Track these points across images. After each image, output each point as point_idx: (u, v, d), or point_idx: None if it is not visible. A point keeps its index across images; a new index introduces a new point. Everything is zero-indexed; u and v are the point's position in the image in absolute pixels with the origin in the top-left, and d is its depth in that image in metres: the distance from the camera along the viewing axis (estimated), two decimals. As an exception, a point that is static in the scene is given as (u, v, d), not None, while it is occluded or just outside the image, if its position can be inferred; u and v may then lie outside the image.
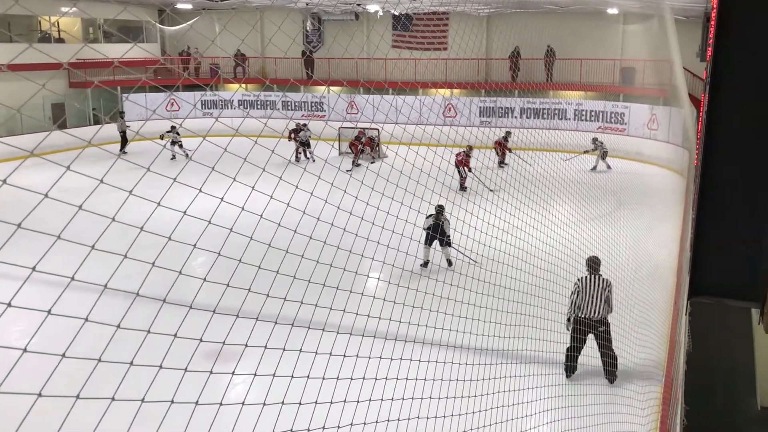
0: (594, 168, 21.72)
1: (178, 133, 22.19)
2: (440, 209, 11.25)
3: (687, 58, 17.35)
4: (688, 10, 20.21)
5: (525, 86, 26.09)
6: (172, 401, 2.44)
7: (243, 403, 2.80)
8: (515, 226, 7.21)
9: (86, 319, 2.18)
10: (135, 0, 28.37)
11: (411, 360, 4.40)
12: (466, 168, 17.81)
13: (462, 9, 26.44)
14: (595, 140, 22.25)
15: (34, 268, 2.02)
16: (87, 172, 2.22)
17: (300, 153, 22.61)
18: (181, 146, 22.33)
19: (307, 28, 30.59)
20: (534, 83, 26.41)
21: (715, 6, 2.81)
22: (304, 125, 22.78)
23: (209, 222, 2.80)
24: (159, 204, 2.55)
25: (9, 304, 1.90)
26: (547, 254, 7.87)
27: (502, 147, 21.93)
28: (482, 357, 5.69)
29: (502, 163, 21.57)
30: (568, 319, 8.10)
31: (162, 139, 21.94)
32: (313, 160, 21.97)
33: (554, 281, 7.65)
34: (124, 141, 24.45)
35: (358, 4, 26.22)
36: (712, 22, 2.63)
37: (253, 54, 30.69)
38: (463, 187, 17.57)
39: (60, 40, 28.67)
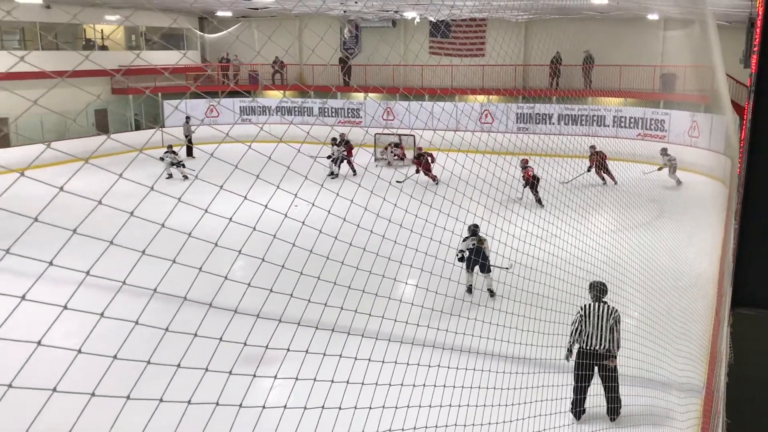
0: (679, 182, 20.09)
1: (175, 153, 21.00)
2: (475, 229, 10.39)
3: (730, 64, 17.00)
4: (731, 15, 19.83)
5: (563, 93, 25.87)
6: (217, 403, 2.50)
7: (285, 407, 2.85)
8: (553, 233, 7.16)
9: (136, 323, 2.25)
10: (177, 8, 28.91)
11: (448, 368, 4.40)
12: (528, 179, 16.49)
13: (500, 15, 26.36)
14: (664, 151, 20.47)
15: (88, 272, 2.09)
16: (130, 176, 2.30)
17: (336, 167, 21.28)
18: (183, 166, 20.86)
19: (345, 36, 30.82)
20: (572, 90, 26.18)
21: (760, 12, 2.77)
22: (339, 139, 21.68)
23: (253, 228, 2.86)
24: (206, 210, 2.61)
25: (65, 307, 1.97)
26: (585, 263, 7.80)
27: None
28: (520, 366, 5.66)
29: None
30: (569, 350, 7.39)
31: (162, 161, 20.62)
32: (354, 173, 21.10)
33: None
34: (189, 146, 24.60)
35: (396, 12, 26.32)
36: (758, 28, 2.61)
37: (291, 61, 31.02)
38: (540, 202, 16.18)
39: (103, 48, 29.35)
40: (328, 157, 21.00)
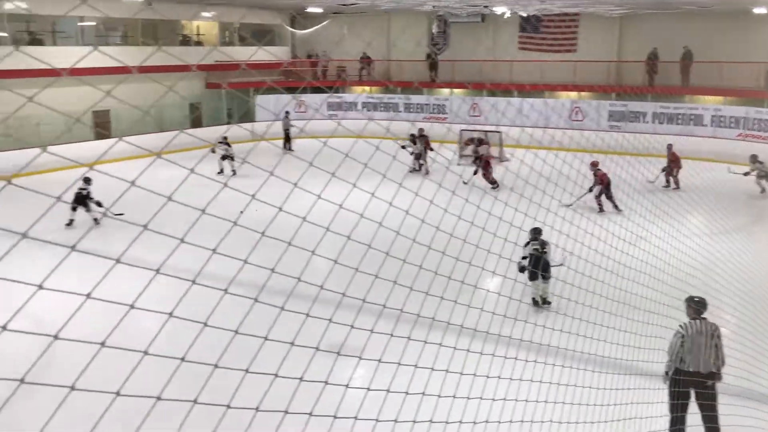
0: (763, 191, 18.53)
1: (228, 145, 20.37)
2: (537, 233, 9.56)
3: None
4: None
5: (659, 90, 24.82)
6: (302, 378, 2.49)
7: (368, 388, 2.82)
8: (641, 237, 6.84)
9: (209, 316, 2.24)
10: (269, 5, 29.55)
11: (536, 362, 4.26)
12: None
13: (593, 10, 25.54)
14: (755, 158, 18.83)
15: (158, 270, 2.10)
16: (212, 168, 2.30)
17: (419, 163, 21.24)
18: (232, 159, 20.37)
19: (433, 31, 30.67)
20: (669, 87, 25.09)
21: None
22: (417, 134, 21.26)
23: (326, 229, 2.82)
24: (280, 209, 2.59)
25: (137, 298, 1.98)
26: (674, 268, 7.42)
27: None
28: (607, 377, 5.43)
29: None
30: (666, 373, 6.58)
31: (213, 152, 20.41)
32: (427, 172, 20.85)
33: (682, 298, 7.18)
34: (288, 138, 25.24)
35: (486, 6, 25.94)
36: None
37: (378, 57, 31.15)
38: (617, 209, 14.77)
39: (198, 44, 30.36)
40: (411, 152, 20.94)
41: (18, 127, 21.76)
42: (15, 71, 17.61)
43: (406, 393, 3.18)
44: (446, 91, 29.64)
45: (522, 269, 9.54)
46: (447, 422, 3.50)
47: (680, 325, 6.52)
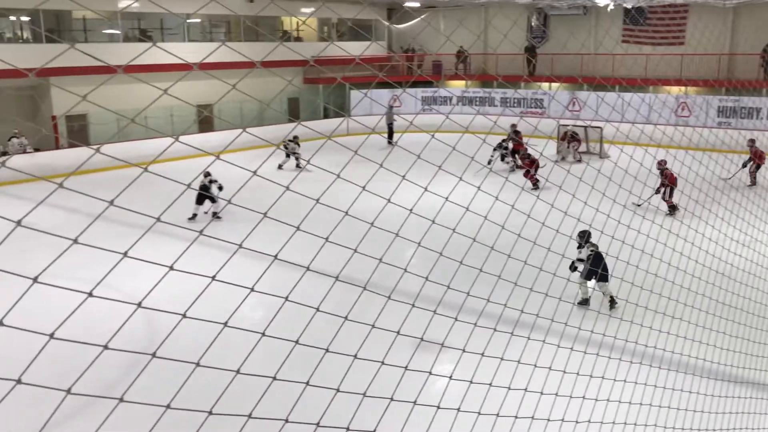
0: None
1: (298, 144, 20.60)
2: (586, 236, 8.73)
3: None
4: None
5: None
6: (407, 367, 2.50)
7: (450, 376, 2.79)
8: (759, 240, 6.45)
9: (318, 309, 2.28)
10: (367, 0, 29.83)
11: (641, 364, 4.11)
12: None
13: (704, 0, 24.29)
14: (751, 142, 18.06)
15: (276, 256, 2.14)
16: (318, 162, 2.33)
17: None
18: (297, 158, 20.47)
19: (532, 23, 30.07)
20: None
21: None
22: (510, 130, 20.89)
23: (432, 222, 2.81)
24: (389, 200, 2.60)
25: (252, 289, 2.04)
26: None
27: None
28: (713, 383, 5.18)
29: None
30: None
31: (285, 148, 20.55)
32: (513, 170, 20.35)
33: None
34: (391, 132, 25.69)
35: (588, -2, 25.19)
36: None
37: (476, 50, 30.87)
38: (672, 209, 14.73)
39: (298, 39, 31.03)
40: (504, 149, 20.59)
41: (126, 120, 22.92)
42: (144, 66, 18.56)
43: (508, 388, 3.13)
44: (545, 85, 29.01)
45: (573, 269, 9.60)
46: (548, 419, 3.43)
47: None
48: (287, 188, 2.21)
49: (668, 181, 14.31)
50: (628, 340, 4.25)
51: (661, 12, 26.15)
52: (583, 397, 3.70)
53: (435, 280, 3.05)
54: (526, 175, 17.66)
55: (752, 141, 18.26)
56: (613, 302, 9.42)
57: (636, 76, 25.89)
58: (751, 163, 17.96)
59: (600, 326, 4.16)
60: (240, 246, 1.97)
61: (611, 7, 26.37)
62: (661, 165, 14.54)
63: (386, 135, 25.61)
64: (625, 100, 24.05)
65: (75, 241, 1.62)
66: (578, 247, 9.64)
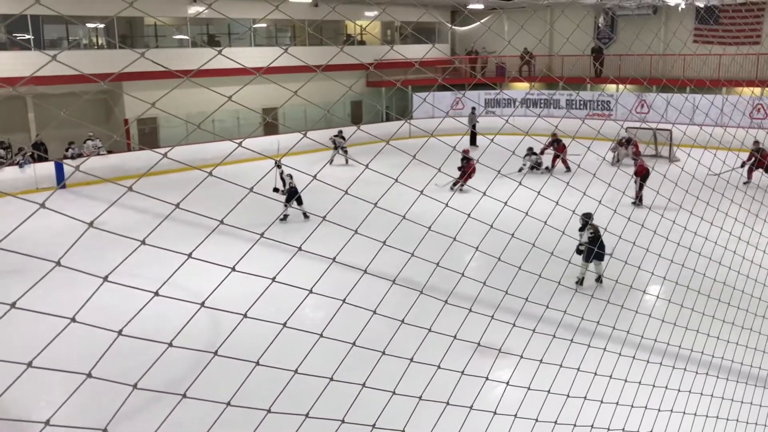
0: None
1: (343, 138, 21.56)
2: (588, 218, 9.91)
3: None
4: None
5: None
6: (463, 372, 2.51)
7: (529, 387, 2.78)
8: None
9: (374, 312, 2.31)
10: (430, 2, 29.82)
11: (690, 392, 4.00)
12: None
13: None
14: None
15: (334, 259, 2.19)
16: (376, 166, 2.37)
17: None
18: (346, 152, 21.25)
19: (599, 24, 29.48)
20: None
21: None
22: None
23: (491, 226, 2.81)
24: (447, 204, 2.61)
25: (310, 291, 2.09)
26: None
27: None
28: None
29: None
30: None
31: (334, 144, 21.21)
32: (567, 169, 20.70)
33: None
34: (474, 136, 25.76)
35: (658, -2, 24.52)
36: None
37: (540, 52, 30.45)
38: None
39: (362, 43, 31.27)
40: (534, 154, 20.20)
41: (197, 122, 23.59)
42: (211, 70, 19.06)
43: (567, 396, 3.09)
44: (612, 86, 28.38)
45: (579, 252, 10.44)
46: (609, 429, 3.36)
47: None
48: (346, 192, 2.25)
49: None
50: (694, 350, 4.14)
51: (734, 11, 25.23)
52: (645, 407, 3.62)
53: (493, 284, 3.05)
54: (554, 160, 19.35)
55: (756, 142, 18.23)
56: (599, 280, 10.79)
57: (707, 77, 25.03)
58: (752, 161, 18.31)
59: (664, 335, 4.05)
60: (299, 248, 2.02)
61: (683, 6, 25.60)
62: (756, 144, 15.50)
63: (470, 137, 25.57)
64: (693, 103, 23.29)
65: (143, 242, 1.70)
66: (579, 230, 10.63)
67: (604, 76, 28.17)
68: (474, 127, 25.45)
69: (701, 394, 4.12)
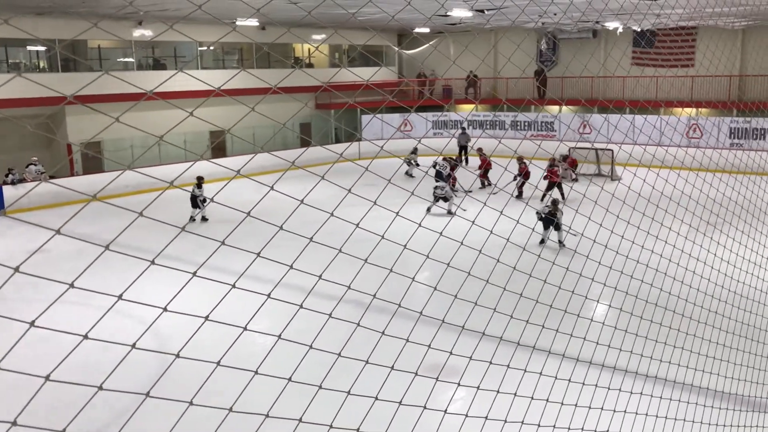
0: None
1: (416, 154, 23.19)
2: (555, 203, 14.25)
3: None
4: None
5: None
6: (401, 402, 2.51)
7: (466, 415, 2.80)
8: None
9: (330, 315, 2.32)
10: (377, 26, 30.16)
11: (641, 394, 4.10)
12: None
13: (712, 23, 24.39)
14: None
15: (291, 266, 2.19)
16: (327, 184, 2.38)
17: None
18: (417, 165, 23.37)
19: (541, 48, 30.27)
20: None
21: None
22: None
23: (441, 233, 2.85)
24: (405, 213, 2.63)
25: (268, 296, 2.08)
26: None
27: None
28: (722, 401, 5.14)
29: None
30: None
31: (409, 164, 23.15)
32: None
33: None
34: (465, 155, 26.37)
35: (597, 22, 25.35)
36: None
37: (485, 74, 31.05)
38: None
39: (309, 65, 31.35)
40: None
41: (140, 146, 23.24)
42: (158, 93, 18.80)
43: (505, 421, 3.10)
44: (554, 108, 29.12)
45: (540, 218, 13.72)
46: (554, 427, 3.41)
47: None
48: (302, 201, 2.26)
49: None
50: (645, 356, 4.25)
51: (671, 34, 26.26)
52: (582, 429, 3.69)
53: (445, 304, 3.08)
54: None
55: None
56: (562, 244, 13.78)
57: (645, 98, 25.93)
58: None
59: (616, 343, 4.15)
60: (233, 286, 2.01)
61: (620, 30, 26.52)
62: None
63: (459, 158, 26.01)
64: (634, 124, 24.06)
65: (71, 285, 1.62)
66: (542, 199, 15.02)
67: (547, 98, 28.88)
68: (464, 147, 25.94)
69: (646, 395, 4.22)
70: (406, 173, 23.38)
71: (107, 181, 20.43)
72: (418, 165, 23.57)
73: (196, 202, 17.17)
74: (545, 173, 19.51)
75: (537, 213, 13.47)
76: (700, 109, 25.93)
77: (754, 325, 5.71)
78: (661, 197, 5.34)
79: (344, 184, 2.49)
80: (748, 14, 22.17)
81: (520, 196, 20.93)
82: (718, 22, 23.99)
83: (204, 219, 17.60)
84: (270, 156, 22.65)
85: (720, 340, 5.09)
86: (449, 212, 17.15)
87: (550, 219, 13.70)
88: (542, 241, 14.17)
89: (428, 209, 17.11)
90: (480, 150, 21.31)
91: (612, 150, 22.12)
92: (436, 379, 2.76)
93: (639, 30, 26.17)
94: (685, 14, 21.20)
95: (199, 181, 17.09)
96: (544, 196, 18.98)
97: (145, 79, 23.40)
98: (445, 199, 17.56)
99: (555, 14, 22.42)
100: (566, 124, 27.81)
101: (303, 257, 2.49)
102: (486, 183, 20.93)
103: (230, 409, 1.92)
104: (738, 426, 5.21)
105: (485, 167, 20.15)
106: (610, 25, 25.78)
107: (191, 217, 17.10)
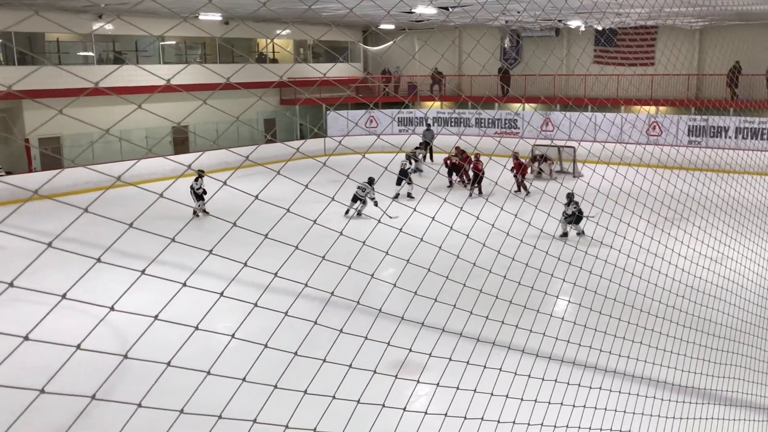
0: None
1: (419, 151, 22.76)
2: (571, 197, 14.22)
3: None
4: None
5: (743, 104, 23.88)
6: (359, 401, 2.50)
7: (426, 412, 2.80)
8: (727, 256, 6.58)
9: (286, 314, 2.29)
10: (342, 22, 30.06)
11: (600, 389, 4.15)
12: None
13: (672, 23, 24.86)
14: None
15: (246, 264, 2.16)
16: (288, 180, 2.35)
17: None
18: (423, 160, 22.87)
19: (506, 45, 30.51)
20: (754, 101, 24.11)
21: None
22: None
23: (400, 230, 2.84)
24: (390, 212, 2.61)
25: (221, 294, 2.05)
26: (764, 289, 7.11)
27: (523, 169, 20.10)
28: (680, 394, 5.24)
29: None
30: None
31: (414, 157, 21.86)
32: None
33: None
34: (431, 152, 26.09)
35: (560, 20, 25.65)
36: None
37: (450, 71, 31.19)
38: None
39: (274, 60, 31.12)
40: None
41: (100, 143, 22.80)
42: (118, 88, 18.43)
43: (465, 417, 3.11)
44: (518, 105, 29.39)
45: (565, 216, 14.29)
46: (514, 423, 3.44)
47: None
48: (256, 197, 2.23)
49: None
50: (601, 350, 4.30)
51: (632, 34, 26.71)
52: (546, 402, 3.72)
53: (400, 298, 3.07)
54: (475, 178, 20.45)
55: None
56: (581, 233, 14.42)
57: (607, 96, 26.34)
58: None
59: (575, 339, 4.20)
60: (184, 285, 1.97)
61: (582, 29, 26.87)
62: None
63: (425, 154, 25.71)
64: (594, 122, 24.41)
65: (10, 284, 1.58)
66: (566, 205, 14.36)
67: (511, 95, 29.15)
68: (429, 143, 25.78)
69: (605, 389, 4.28)
70: (414, 171, 21.05)
71: (66, 178, 20.03)
72: (424, 160, 23.09)
73: (197, 195, 16.84)
74: (513, 167, 19.66)
75: (563, 215, 14.18)
76: (659, 107, 26.44)
77: (710, 319, 5.83)
78: (620, 194, 5.41)
79: (309, 180, 2.46)
80: (705, 15, 22.64)
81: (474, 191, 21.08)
82: (677, 22, 24.46)
83: (205, 212, 17.01)
84: (236, 151, 22.42)
85: (677, 334, 5.18)
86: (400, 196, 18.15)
87: (570, 217, 14.24)
88: (565, 234, 14.63)
89: (347, 212, 16.58)
90: (477, 156, 20.22)
91: (574, 147, 22.42)
92: (395, 376, 2.75)
93: (601, 29, 26.55)
94: (644, 14, 21.59)
95: (200, 174, 16.46)
96: (519, 191, 19.25)
97: (102, 73, 22.96)
98: (365, 201, 17.18)
99: (518, 12, 22.61)
100: (527, 121, 28.11)
101: (269, 255, 2.45)
102: (469, 185, 20.67)
103: (181, 411, 1.88)
104: (695, 418, 5.31)
105: (476, 173, 19.30)
106: (573, 23, 26.10)
107: (194, 211, 16.76)
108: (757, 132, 24.10)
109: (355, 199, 17.02)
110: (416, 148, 22.95)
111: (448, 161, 21.46)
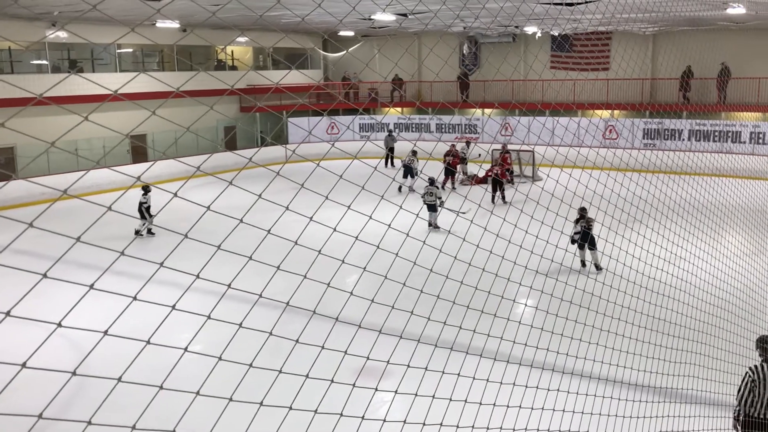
0: None
1: (416, 159, 21.29)
2: (584, 212, 11.70)
3: None
4: None
5: (695, 108, 24.51)
6: (316, 411, 2.50)
7: (384, 420, 2.81)
8: (680, 256, 6.74)
9: (240, 325, 2.28)
10: (301, 29, 29.99)
11: (558, 391, 4.22)
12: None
13: (625, 28, 25.39)
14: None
15: (198, 276, 2.15)
16: (251, 189, 2.35)
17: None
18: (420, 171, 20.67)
19: (464, 51, 30.78)
20: (705, 104, 24.76)
21: None
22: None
23: (356, 238, 2.85)
24: (346, 221, 2.62)
25: (173, 307, 2.04)
26: (716, 288, 7.29)
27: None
28: (640, 393, 5.35)
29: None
30: (736, 418, 5.89)
31: (406, 166, 21.02)
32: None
33: (725, 317, 7.05)
34: (392, 158, 25.70)
35: (516, 26, 26.00)
36: None
37: (409, 78, 31.34)
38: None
39: (233, 68, 30.88)
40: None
41: (58, 152, 22.31)
42: (73, 97, 18.01)
43: (423, 424, 3.13)
44: (477, 110, 29.67)
45: (573, 242, 11.79)
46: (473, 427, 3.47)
47: (750, 368, 5.81)
48: (208, 208, 2.22)
49: None
50: (567, 354, 4.37)
51: (585, 39, 27.20)
52: (501, 428, 3.77)
53: (361, 301, 3.09)
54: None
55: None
56: (598, 267, 11.92)
57: (564, 100, 26.77)
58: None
59: (532, 341, 4.26)
60: (134, 298, 1.96)
61: (539, 34, 27.28)
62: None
63: (384, 160, 25.61)
64: (552, 127, 24.78)
65: None
66: (575, 222, 11.84)
67: (471, 100, 29.40)
68: (392, 149, 25.74)
69: (563, 391, 4.35)
70: (401, 187, 20.27)
71: (20, 189, 19.56)
72: (421, 172, 20.31)
73: (143, 212, 15.07)
74: (491, 169, 19.80)
75: (572, 236, 11.62)
76: (615, 111, 26.96)
77: (665, 319, 5.96)
78: (574, 197, 5.51)
79: (271, 188, 2.45)
80: (658, 20, 23.20)
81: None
82: (631, 27, 25.00)
83: (150, 232, 15.71)
84: (196, 160, 22.17)
85: (633, 334, 5.29)
86: (432, 225, 15.46)
87: (585, 233, 11.56)
88: (583, 264, 12.28)
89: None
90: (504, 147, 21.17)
91: (532, 151, 22.71)
92: (353, 385, 2.75)
93: (556, 34, 26.98)
94: (599, 20, 22.03)
95: (145, 190, 15.12)
96: (493, 198, 18.38)
97: (55, 82, 22.47)
98: (433, 209, 15.58)
99: (476, 18, 22.86)
100: (482, 128, 28.40)
101: (231, 263, 2.44)
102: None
103: (133, 427, 1.86)
104: (653, 417, 5.42)
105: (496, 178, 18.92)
106: (529, 29, 26.48)
107: (136, 230, 15.39)
108: (710, 134, 24.74)
109: (429, 207, 15.56)
110: (411, 154, 21.63)
111: (489, 173, 20.80)
